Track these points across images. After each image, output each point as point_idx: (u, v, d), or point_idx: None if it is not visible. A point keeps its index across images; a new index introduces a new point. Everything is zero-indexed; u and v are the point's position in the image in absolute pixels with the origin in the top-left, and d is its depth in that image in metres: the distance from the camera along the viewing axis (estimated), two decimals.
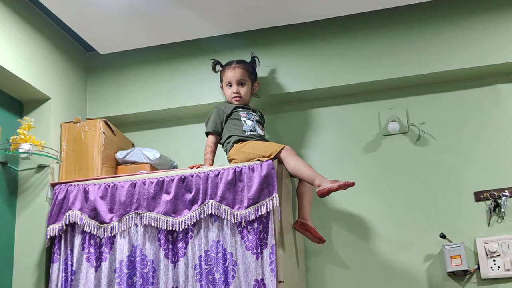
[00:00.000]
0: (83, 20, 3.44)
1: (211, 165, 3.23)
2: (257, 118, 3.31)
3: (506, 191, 3.20)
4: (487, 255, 3.13)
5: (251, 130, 3.22)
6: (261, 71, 3.53)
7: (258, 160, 3.06)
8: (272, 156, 3.05)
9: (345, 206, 3.43)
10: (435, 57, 3.38)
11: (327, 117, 3.62)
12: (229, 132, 3.28)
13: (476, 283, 3.14)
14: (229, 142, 3.25)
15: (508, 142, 3.32)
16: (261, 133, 3.29)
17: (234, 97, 3.35)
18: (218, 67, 3.47)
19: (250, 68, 3.42)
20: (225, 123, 3.32)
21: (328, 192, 2.91)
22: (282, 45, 3.64)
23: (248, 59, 3.46)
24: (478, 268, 3.14)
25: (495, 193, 3.23)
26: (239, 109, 3.33)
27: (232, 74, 3.37)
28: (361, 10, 3.45)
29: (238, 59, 3.42)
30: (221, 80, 3.42)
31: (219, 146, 3.35)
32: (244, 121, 3.25)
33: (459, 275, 3.15)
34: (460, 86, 3.46)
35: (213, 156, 3.29)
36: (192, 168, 3.16)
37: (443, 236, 3.17)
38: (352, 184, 2.92)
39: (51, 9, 3.31)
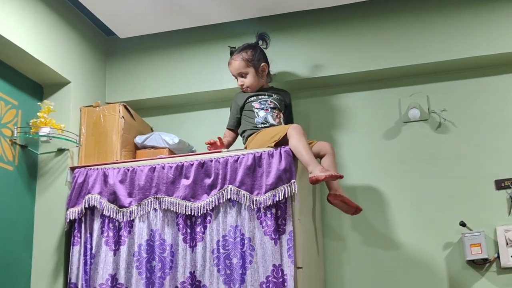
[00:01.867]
0: (103, 4, 3.44)
1: (224, 147, 3.26)
2: (272, 104, 3.29)
3: None
4: (507, 244, 3.12)
5: (262, 123, 3.22)
6: (280, 56, 3.52)
7: (270, 147, 3.04)
8: (280, 137, 3.03)
9: (364, 192, 3.44)
10: (456, 43, 3.37)
11: (348, 103, 3.62)
12: (243, 127, 3.32)
13: (495, 272, 3.14)
14: (244, 137, 3.29)
15: None
16: (274, 122, 3.26)
17: (242, 89, 3.37)
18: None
19: (249, 55, 3.36)
20: (241, 115, 3.35)
21: (316, 181, 2.91)
22: (302, 31, 3.63)
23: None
24: (498, 256, 3.13)
25: None
26: (252, 98, 3.33)
27: (231, 68, 3.38)
28: None
29: (245, 43, 3.40)
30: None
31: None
32: (257, 112, 3.25)
33: (479, 264, 3.15)
34: (482, 73, 3.44)
35: (229, 145, 3.35)
36: (208, 143, 3.20)
37: (463, 224, 3.17)
38: (340, 177, 2.93)
39: None
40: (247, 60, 3.33)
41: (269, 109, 3.27)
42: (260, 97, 3.32)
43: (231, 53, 3.43)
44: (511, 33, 3.32)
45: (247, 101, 3.34)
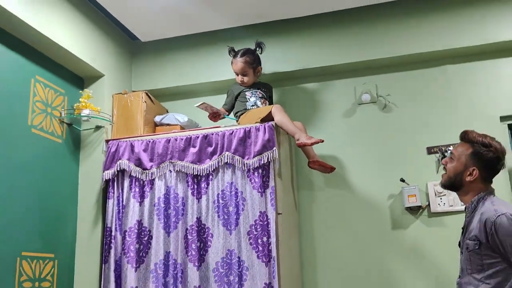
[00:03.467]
0: (129, 16, 3.45)
1: (224, 111, 3.36)
2: (260, 95, 3.30)
3: (450, 146, 3.20)
4: (435, 195, 3.20)
5: (252, 105, 3.25)
6: (265, 55, 3.46)
7: (257, 122, 3.09)
8: (266, 114, 3.08)
9: (331, 157, 3.41)
10: (398, 43, 3.37)
11: (316, 91, 3.61)
12: (236, 108, 3.33)
13: (427, 216, 3.20)
14: (237, 116, 3.31)
15: (452, 108, 3.32)
16: (261, 106, 3.27)
17: (242, 83, 3.35)
18: (232, 53, 3.39)
19: (250, 58, 3.33)
20: (235, 101, 3.37)
21: (303, 145, 2.98)
22: (282, 35, 3.60)
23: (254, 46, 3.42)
24: (429, 204, 3.21)
25: (442, 147, 3.26)
26: (245, 90, 3.33)
27: (235, 67, 3.33)
28: (347, 7, 3.44)
29: (245, 48, 3.37)
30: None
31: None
32: (248, 98, 3.26)
33: (414, 210, 3.21)
34: (417, 66, 3.43)
35: (225, 111, 3.40)
36: (210, 116, 3.31)
37: (402, 180, 3.22)
38: (322, 141, 2.98)
39: (105, 6, 3.32)
40: (248, 63, 3.31)
41: (257, 98, 3.28)
42: (251, 89, 3.32)
43: (230, 52, 3.39)
44: (437, 34, 3.31)
45: (242, 91, 3.34)
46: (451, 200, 3.18)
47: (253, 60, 3.36)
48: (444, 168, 2.32)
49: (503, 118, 3.26)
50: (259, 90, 3.34)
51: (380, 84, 3.50)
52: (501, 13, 3.27)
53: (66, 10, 3.16)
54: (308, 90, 3.64)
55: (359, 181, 3.40)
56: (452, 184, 2.29)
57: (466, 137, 2.28)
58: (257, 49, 3.43)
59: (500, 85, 3.31)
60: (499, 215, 2.06)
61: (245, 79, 3.34)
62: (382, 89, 3.49)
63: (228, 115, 3.37)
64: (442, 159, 3.18)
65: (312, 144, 2.98)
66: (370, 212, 3.33)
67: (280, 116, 3.05)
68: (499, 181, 2.72)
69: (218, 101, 3.55)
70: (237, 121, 3.32)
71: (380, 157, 3.39)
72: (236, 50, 3.40)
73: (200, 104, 3.21)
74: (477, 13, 3.31)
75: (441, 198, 3.21)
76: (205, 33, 3.72)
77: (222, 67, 3.64)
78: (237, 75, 3.35)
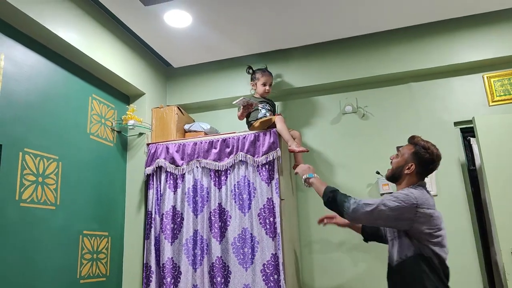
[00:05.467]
0: (165, 46, 3.45)
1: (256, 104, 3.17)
2: (269, 107, 3.25)
3: None
4: None
5: (263, 116, 3.18)
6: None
7: (263, 129, 3.06)
8: (271, 122, 3.04)
9: (320, 156, 3.42)
10: (373, 65, 3.36)
11: (309, 104, 3.58)
12: (250, 118, 3.22)
13: None
14: (249, 123, 3.23)
15: (416, 116, 3.29)
16: (269, 116, 3.19)
17: (266, 92, 3.26)
18: (250, 71, 3.35)
19: (272, 77, 3.35)
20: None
21: (292, 151, 2.93)
22: (285, 60, 3.57)
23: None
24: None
25: None
26: (258, 102, 3.24)
27: (267, 79, 3.27)
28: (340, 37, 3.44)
29: (263, 68, 3.35)
30: (254, 79, 3.31)
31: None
32: (260, 110, 3.19)
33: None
34: (388, 84, 3.42)
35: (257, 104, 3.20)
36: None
37: (377, 172, 3.21)
38: (307, 151, 2.95)
39: (145, 39, 3.33)
40: (272, 78, 3.34)
41: (266, 110, 3.22)
42: (263, 103, 3.25)
43: (248, 69, 3.34)
44: (403, 58, 3.29)
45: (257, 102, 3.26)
46: None
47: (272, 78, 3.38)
48: (391, 163, 2.28)
49: (456, 123, 3.25)
50: (268, 104, 3.30)
51: (359, 98, 3.49)
52: (453, 41, 3.26)
53: (115, 42, 3.17)
54: (303, 103, 3.62)
55: (344, 173, 3.37)
56: (394, 175, 2.25)
57: (412, 140, 2.26)
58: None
59: (453, 97, 3.29)
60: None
61: (270, 89, 3.30)
62: (361, 102, 3.48)
63: (256, 107, 3.23)
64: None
65: (299, 152, 2.95)
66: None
67: (280, 126, 3.02)
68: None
69: (231, 113, 3.56)
70: (248, 128, 3.27)
71: (360, 155, 3.37)
72: (254, 69, 3.36)
73: (239, 100, 3.12)
74: (434, 42, 3.30)
75: None
76: (224, 60, 3.73)
77: (237, 86, 3.63)
78: (265, 85, 3.26)
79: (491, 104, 3.19)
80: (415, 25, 3.32)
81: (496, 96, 3.19)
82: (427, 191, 2.18)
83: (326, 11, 3.03)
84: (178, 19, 3.03)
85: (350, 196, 2.20)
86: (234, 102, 3.17)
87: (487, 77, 3.24)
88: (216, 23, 3.10)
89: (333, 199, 2.22)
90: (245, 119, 3.30)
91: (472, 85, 3.27)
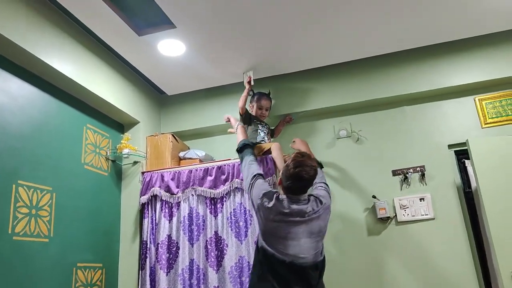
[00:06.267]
0: (159, 75, 3.47)
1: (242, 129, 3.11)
2: (267, 131, 3.26)
3: (410, 169, 3.22)
4: (400, 207, 3.17)
5: (261, 140, 3.18)
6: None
7: (259, 155, 3.04)
8: (267, 149, 3.04)
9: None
10: (366, 90, 3.38)
11: (305, 128, 3.59)
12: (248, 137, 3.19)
13: (394, 224, 3.16)
14: None
15: (409, 139, 3.30)
16: (267, 140, 3.21)
17: (260, 115, 3.26)
18: (251, 93, 3.33)
19: (271, 102, 3.36)
20: (249, 121, 3.21)
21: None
22: (283, 85, 3.57)
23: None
24: (395, 215, 3.17)
25: (404, 170, 3.24)
26: (258, 122, 3.24)
27: (265, 103, 3.28)
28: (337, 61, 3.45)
29: (268, 93, 3.36)
30: (252, 101, 3.30)
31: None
32: (259, 132, 3.18)
33: (384, 220, 3.18)
34: (382, 108, 3.45)
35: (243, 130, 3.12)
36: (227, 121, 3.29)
37: (374, 197, 3.22)
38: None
39: (139, 69, 3.34)
40: (271, 104, 3.35)
41: (265, 133, 3.22)
42: (262, 124, 3.26)
43: (250, 91, 3.29)
44: (396, 82, 3.32)
45: (256, 120, 3.25)
46: (413, 212, 3.16)
47: (271, 102, 3.41)
48: None
49: (450, 146, 3.27)
50: (266, 127, 3.29)
51: (353, 122, 3.51)
52: (444, 64, 3.32)
53: (109, 72, 3.18)
54: (299, 128, 3.62)
55: (340, 198, 3.35)
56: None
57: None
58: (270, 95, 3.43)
59: (446, 120, 3.33)
60: None
61: (266, 114, 3.31)
62: (355, 126, 3.49)
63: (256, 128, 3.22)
64: (404, 179, 3.21)
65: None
66: (350, 222, 3.29)
67: (275, 153, 3.00)
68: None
69: (226, 140, 3.57)
70: None
71: (356, 179, 3.36)
72: (255, 91, 3.37)
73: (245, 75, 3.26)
74: (425, 65, 3.35)
75: (405, 210, 3.18)
76: (217, 87, 3.74)
77: (230, 113, 3.51)
78: (261, 109, 3.27)
79: (483, 126, 3.22)
80: (406, 50, 3.38)
81: (489, 118, 3.23)
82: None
83: (318, 38, 3.08)
84: (171, 48, 3.07)
85: (247, 164, 2.59)
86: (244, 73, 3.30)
87: (478, 99, 3.29)
88: (209, 50, 3.14)
89: (239, 153, 2.75)
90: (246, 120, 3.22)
91: (464, 107, 3.31)
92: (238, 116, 3.24)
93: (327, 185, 2.57)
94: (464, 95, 3.32)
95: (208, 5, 2.63)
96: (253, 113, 3.30)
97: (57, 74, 2.69)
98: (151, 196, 3.25)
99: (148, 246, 3.15)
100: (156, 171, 3.31)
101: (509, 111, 3.21)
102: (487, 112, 3.24)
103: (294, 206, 2.26)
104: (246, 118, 3.21)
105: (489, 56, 3.23)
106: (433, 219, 3.11)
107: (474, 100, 3.30)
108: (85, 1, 2.54)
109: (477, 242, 3.04)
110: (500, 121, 3.20)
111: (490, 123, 3.22)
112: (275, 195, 2.32)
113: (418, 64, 3.36)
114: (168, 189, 3.23)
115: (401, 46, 3.32)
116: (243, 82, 3.37)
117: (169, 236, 3.15)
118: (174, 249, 3.12)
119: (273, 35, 3.00)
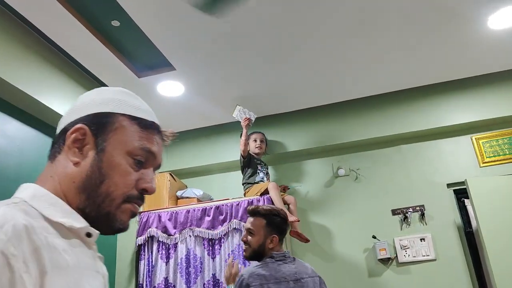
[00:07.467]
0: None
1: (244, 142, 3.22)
2: (265, 171, 3.28)
3: (410, 208, 3.23)
4: (401, 248, 3.15)
5: (260, 180, 3.21)
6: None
7: (257, 195, 3.08)
8: (264, 189, 3.07)
9: (314, 219, 3.39)
10: (363, 129, 3.43)
11: (303, 167, 3.59)
12: (246, 179, 3.25)
13: (395, 265, 3.14)
14: (244, 186, 3.26)
15: (407, 178, 3.33)
16: (266, 180, 3.24)
17: (257, 147, 3.33)
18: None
19: (265, 137, 3.45)
20: (249, 162, 3.27)
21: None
22: (277, 125, 3.62)
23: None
24: (396, 256, 3.15)
25: (404, 210, 3.24)
26: (258, 162, 3.28)
27: (258, 135, 3.39)
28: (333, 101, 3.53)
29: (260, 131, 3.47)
30: (247, 140, 3.32)
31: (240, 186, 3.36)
32: (258, 172, 3.22)
33: (385, 261, 3.16)
34: (379, 146, 3.47)
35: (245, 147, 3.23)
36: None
37: (374, 237, 3.20)
38: (298, 220, 2.97)
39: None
40: (263, 135, 3.45)
41: (264, 173, 3.25)
42: (261, 163, 3.29)
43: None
44: (392, 122, 3.37)
45: (256, 160, 3.30)
46: (414, 252, 3.14)
47: (265, 138, 3.49)
48: (246, 243, 2.11)
49: (449, 185, 3.29)
50: (265, 167, 3.33)
51: (352, 161, 3.53)
52: (441, 104, 3.37)
53: None
54: (296, 167, 3.64)
55: (339, 238, 3.33)
56: (256, 254, 2.09)
57: (258, 212, 2.12)
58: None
59: (443, 159, 3.36)
60: None
61: (263, 146, 3.38)
62: (353, 165, 3.51)
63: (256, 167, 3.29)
64: (404, 219, 3.19)
65: (290, 222, 2.84)
66: (350, 263, 3.26)
67: (273, 193, 3.03)
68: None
69: (225, 178, 3.57)
70: (244, 191, 3.27)
71: (355, 219, 3.35)
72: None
73: (236, 111, 3.26)
74: (422, 105, 3.40)
75: (406, 251, 3.16)
76: (215, 125, 3.79)
77: (227, 151, 3.66)
78: (255, 141, 3.36)
79: (481, 165, 3.25)
80: (403, 89, 3.45)
81: (486, 157, 3.26)
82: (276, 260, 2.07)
83: (314, 78, 3.15)
84: (170, 89, 3.12)
85: None
86: (233, 115, 3.29)
87: (475, 138, 3.33)
88: (207, 90, 3.19)
89: None
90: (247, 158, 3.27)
91: (461, 146, 3.35)
92: (239, 157, 3.30)
93: None
94: (461, 134, 3.37)
95: (207, 46, 2.69)
96: (251, 150, 3.34)
97: (57, 116, 2.71)
98: (148, 237, 3.21)
99: None
100: (153, 211, 3.28)
101: (506, 150, 3.25)
102: (485, 151, 3.27)
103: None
104: (247, 161, 3.26)
105: (485, 95, 3.29)
106: (435, 260, 3.08)
107: (471, 139, 3.34)
108: (86, 44, 2.59)
109: (480, 283, 3.01)
110: (497, 160, 3.23)
111: (488, 162, 3.25)
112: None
113: (415, 103, 3.41)
114: (165, 230, 3.19)
115: (398, 86, 3.39)
116: (239, 120, 3.40)
117: (166, 279, 3.09)
118: None
119: (271, 74, 3.06)
